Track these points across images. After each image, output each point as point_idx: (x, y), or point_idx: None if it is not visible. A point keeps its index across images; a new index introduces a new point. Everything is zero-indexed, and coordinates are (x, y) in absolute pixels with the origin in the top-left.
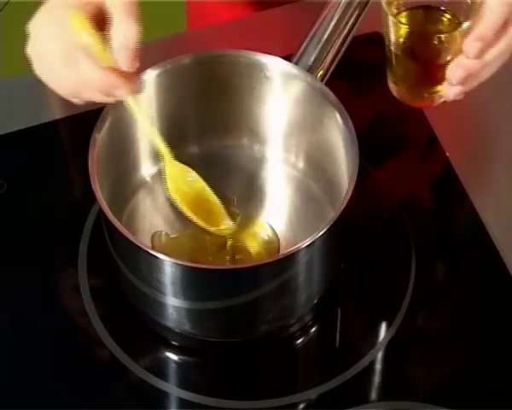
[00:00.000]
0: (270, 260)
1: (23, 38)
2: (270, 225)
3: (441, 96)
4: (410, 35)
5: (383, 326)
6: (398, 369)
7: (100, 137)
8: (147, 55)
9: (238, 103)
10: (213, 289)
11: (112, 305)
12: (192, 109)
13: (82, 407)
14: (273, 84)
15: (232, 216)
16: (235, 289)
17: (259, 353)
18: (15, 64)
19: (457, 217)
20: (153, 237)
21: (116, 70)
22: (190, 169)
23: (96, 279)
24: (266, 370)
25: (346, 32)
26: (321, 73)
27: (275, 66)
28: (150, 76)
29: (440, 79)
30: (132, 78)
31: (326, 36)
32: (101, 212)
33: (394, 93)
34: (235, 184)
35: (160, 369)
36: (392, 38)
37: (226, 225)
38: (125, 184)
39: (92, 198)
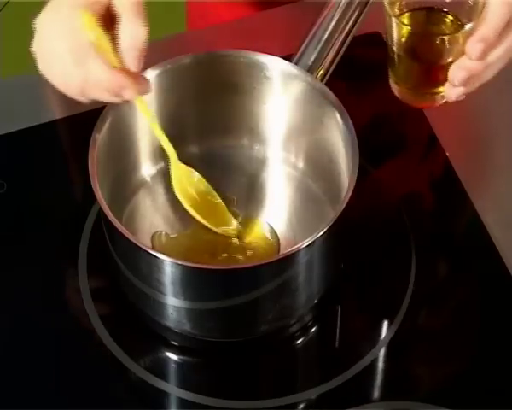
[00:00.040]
0: (270, 260)
1: (23, 38)
2: (270, 225)
3: (443, 97)
4: (412, 36)
5: (383, 326)
6: (398, 369)
7: (100, 137)
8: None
9: (238, 103)
10: (213, 289)
11: (112, 305)
12: (192, 109)
13: (82, 407)
14: (273, 84)
15: (232, 216)
16: (235, 289)
17: (259, 353)
18: (15, 64)
19: (457, 217)
20: (153, 237)
21: (123, 70)
22: (193, 170)
23: (96, 279)
24: (266, 370)
25: (346, 32)
26: (321, 73)
27: (275, 66)
28: (150, 76)
29: (442, 80)
30: (139, 78)
31: (326, 36)
32: (101, 212)
33: (396, 93)
34: (235, 184)
35: (160, 369)
36: (395, 38)
37: (232, 225)
38: (125, 184)
39: (92, 198)
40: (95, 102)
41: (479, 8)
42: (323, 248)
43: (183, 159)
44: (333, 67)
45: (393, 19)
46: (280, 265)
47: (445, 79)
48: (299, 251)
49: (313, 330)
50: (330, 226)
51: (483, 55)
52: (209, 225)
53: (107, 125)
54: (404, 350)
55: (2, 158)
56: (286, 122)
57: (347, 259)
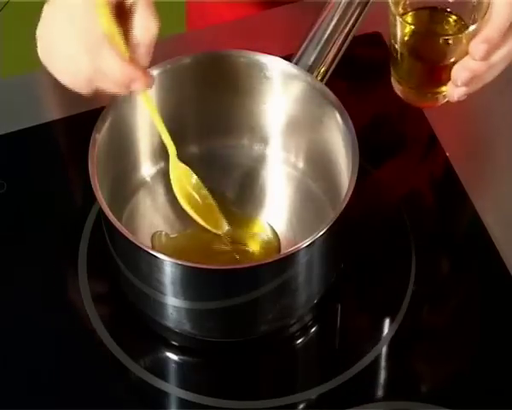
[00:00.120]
0: (270, 260)
1: (23, 38)
2: (270, 225)
3: (445, 97)
4: (415, 35)
5: (383, 326)
6: (398, 369)
7: (100, 137)
8: None
9: (238, 103)
10: (213, 289)
11: (112, 305)
12: (192, 109)
13: (82, 407)
14: (273, 84)
15: (232, 216)
16: (235, 289)
17: (259, 353)
18: (15, 64)
19: (457, 217)
20: (153, 237)
21: (133, 63)
22: (189, 169)
23: (96, 279)
24: (266, 370)
25: (346, 31)
26: (321, 73)
27: (275, 66)
28: None
29: (445, 80)
30: (146, 71)
31: (326, 36)
32: (101, 212)
33: (398, 92)
34: (235, 183)
35: (160, 369)
36: (398, 37)
37: (223, 225)
38: (124, 184)
39: (92, 198)
40: (91, 98)
41: (483, 8)
42: (323, 248)
43: (183, 159)
44: (333, 67)
45: (397, 18)
46: (280, 265)
47: (448, 79)
48: (299, 251)
49: (313, 330)
50: (330, 226)
51: (486, 56)
52: (205, 225)
53: (107, 125)
54: (403, 350)
55: (2, 158)
56: (286, 122)
57: (347, 259)
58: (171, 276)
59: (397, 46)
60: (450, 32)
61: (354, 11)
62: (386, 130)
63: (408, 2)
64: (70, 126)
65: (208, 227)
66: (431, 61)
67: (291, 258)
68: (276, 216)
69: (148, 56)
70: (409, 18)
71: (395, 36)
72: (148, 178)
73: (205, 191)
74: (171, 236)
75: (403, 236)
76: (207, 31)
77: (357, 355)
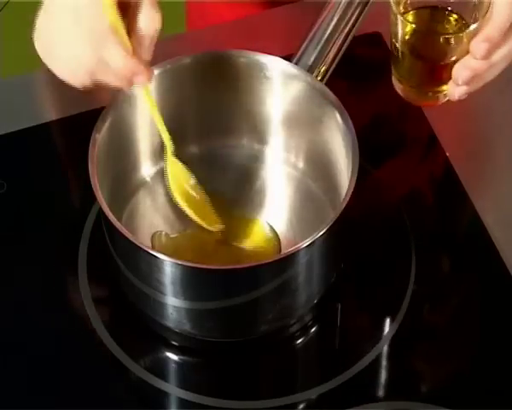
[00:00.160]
0: (270, 260)
1: (23, 38)
2: (270, 225)
3: (445, 96)
4: (416, 34)
5: (383, 327)
6: (398, 369)
7: (100, 137)
8: None
9: (238, 103)
10: (213, 289)
11: (112, 305)
12: (192, 109)
13: (82, 407)
14: (273, 84)
15: (232, 216)
16: (235, 289)
17: (259, 353)
18: (15, 64)
19: (457, 217)
20: (153, 237)
21: (136, 56)
22: (185, 167)
23: (96, 279)
24: (266, 370)
25: (346, 31)
26: (321, 72)
27: (275, 66)
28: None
29: (445, 79)
30: (148, 65)
31: (326, 36)
32: (101, 212)
33: (399, 91)
34: (236, 184)
35: (160, 369)
36: (399, 36)
37: (217, 223)
38: (124, 184)
39: (92, 198)
40: (91, 98)
41: (483, 7)
42: (323, 248)
43: (183, 159)
44: (333, 67)
45: (398, 16)
46: (280, 265)
47: (449, 78)
48: (299, 251)
49: (313, 330)
50: (330, 226)
51: (487, 55)
52: (201, 222)
53: (107, 125)
54: (403, 350)
55: (2, 158)
56: (286, 122)
57: (347, 259)
58: (171, 276)
59: (398, 45)
60: (451, 31)
61: (354, 11)
62: (386, 130)
63: (409, 2)
64: (70, 126)
65: (203, 224)
66: (432, 60)
67: (291, 258)
68: (276, 216)
69: (150, 50)
70: (410, 17)
71: (396, 35)
72: (148, 178)
73: (199, 189)
74: (171, 236)
75: (403, 236)
76: (207, 31)
77: (357, 355)
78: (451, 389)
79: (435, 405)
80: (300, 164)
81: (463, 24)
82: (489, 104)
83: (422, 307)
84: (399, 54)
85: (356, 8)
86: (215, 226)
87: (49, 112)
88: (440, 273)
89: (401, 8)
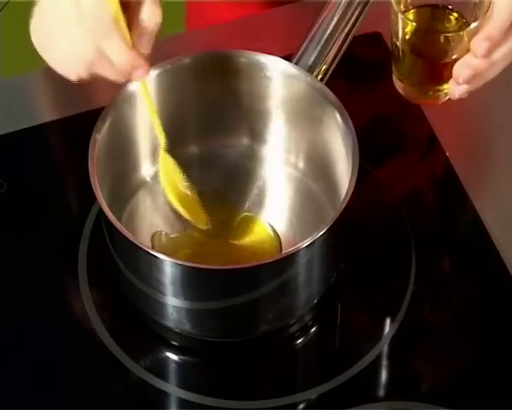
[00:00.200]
0: (270, 260)
1: (23, 38)
2: (271, 225)
3: (446, 95)
4: (417, 32)
5: (383, 327)
6: (398, 369)
7: (100, 137)
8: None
9: (238, 103)
10: (213, 289)
11: (112, 305)
12: (192, 109)
13: (82, 407)
14: (273, 85)
15: (232, 216)
16: (235, 289)
17: (259, 353)
18: (15, 64)
19: (457, 217)
20: (153, 237)
21: (136, 49)
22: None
23: (96, 279)
24: (266, 370)
25: (346, 31)
26: (321, 73)
27: (275, 66)
28: (150, 76)
29: (446, 78)
30: (147, 59)
31: (326, 36)
32: (101, 212)
33: (399, 90)
34: (235, 183)
35: (160, 369)
36: (400, 34)
37: (206, 221)
38: (124, 184)
39: (92, 198)
40: (91, 98)
41: (484, 6)
42: (323, 248)
43: (183, 159)
44: (333, 67)
45: (399, 15)
46: (280, 265)
47: (449, 77)
48: (299, 251)
49: (313, 330)
50: (330, 226)
51: (488, 54)
52: (192, 220)
53: (107, 125)
54: (404, 350)
55: (2, 158)
56: (286, 122)
57: (347, 259)
58: (171, 276)
59: (398, 44)
60: (452, 30)
61: (354, 11)
62: (386, 130)
63: (409, 0)
64: (70, 126)
65: (191, 220)
66: (432, 59)
67: (291, 258)
68: (276, 216)
69: (150, 44)
70: (410, 15)
71: (396, 33)
72: (148, 178)
73: (189, 187)
74: (171, 236)
75: (403, 236)
76: (207, 31)
77: (357, 355)
78: (451, 389)
79: (435, 405)
80: (300, 164)
81: (464, 22)
82: (489, 104)
83: (422, 307)
84: (400, 52)
85: (356, 8)
86: (203, 223)
87: (49, 112)
88: (440, 273)
89: (402, 6)
